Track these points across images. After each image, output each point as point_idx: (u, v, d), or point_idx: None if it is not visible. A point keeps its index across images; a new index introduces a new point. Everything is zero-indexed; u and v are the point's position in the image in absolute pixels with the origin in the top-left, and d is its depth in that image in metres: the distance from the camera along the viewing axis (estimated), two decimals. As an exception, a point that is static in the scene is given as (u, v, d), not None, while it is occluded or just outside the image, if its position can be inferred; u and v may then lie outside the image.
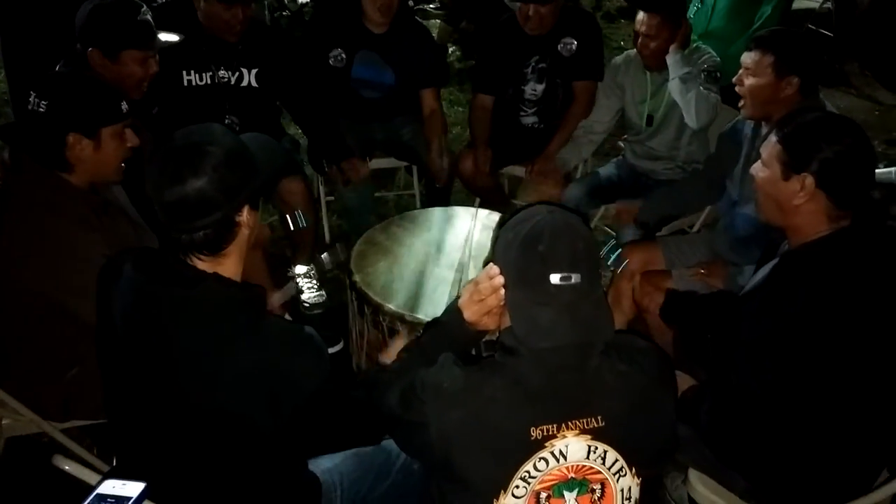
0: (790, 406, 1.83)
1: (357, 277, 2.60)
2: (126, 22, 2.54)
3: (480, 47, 3.99)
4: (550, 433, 1.46)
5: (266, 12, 5.61)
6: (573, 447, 1.48)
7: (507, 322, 1.56)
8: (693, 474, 2.11)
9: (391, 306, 2.46)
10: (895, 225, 2.05)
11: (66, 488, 1.63)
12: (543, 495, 1.50)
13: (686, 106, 3.16)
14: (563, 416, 1.47)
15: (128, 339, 1.59)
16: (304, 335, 1.64)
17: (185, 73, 3.23)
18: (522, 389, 1.48)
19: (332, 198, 3.98)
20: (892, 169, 2.76)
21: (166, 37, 2.73)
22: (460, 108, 5.62)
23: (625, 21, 7.50)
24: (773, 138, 1.93)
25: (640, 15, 3.23)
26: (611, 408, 1.50)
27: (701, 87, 3.13)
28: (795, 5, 5.85)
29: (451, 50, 6.44)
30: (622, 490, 1.53)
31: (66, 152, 2.11)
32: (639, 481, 1.55)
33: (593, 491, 1.52)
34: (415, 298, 2.51)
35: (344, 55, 3.57)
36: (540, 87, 3.71)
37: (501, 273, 1.57)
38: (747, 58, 2.59)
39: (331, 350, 1.93)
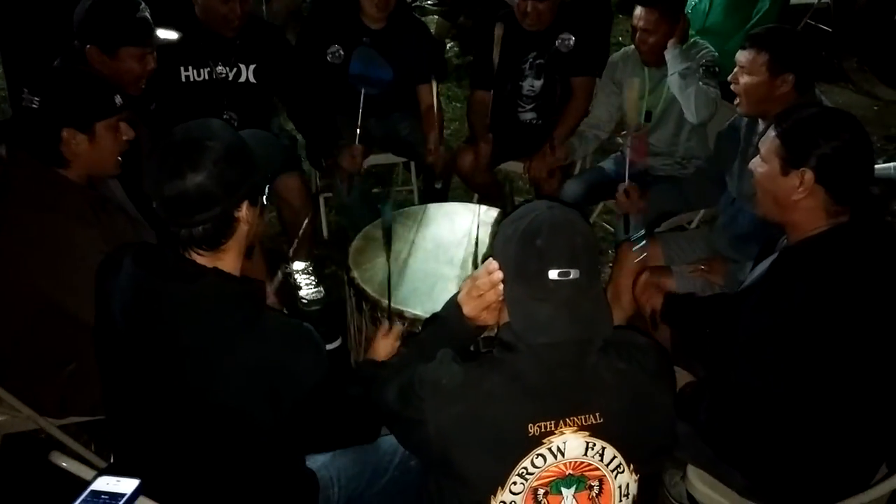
0: (789, 402, 1.83)
1: (355, 273, 2.60)
2: (124, 19, 2.54)
3: (478, 43, 3.99)
4: (548, 429, 1.46)
5: (263, 7, 5.60)
6: (571, 444, 1.48)
7: (505, 317, 1.56)
8: (692, 471, 2.11)
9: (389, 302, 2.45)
10: (894, 220, 2.05)
11: (63, 485, 1.63)
12: (541, 492, 1.50)
13: (685, 101, 3.15)
14: (561, 413, 1.47)
15: (127, 335, 1.59)
16: (303, 330, 1.64)
17: (182, 68, 3.22)
18: (521, 385, 1.47)
19: (329, 194, 3.97)
20: (891, 164, 2.77)
21: (164, 34, 2.72)
22: (458, 104, 5.62)
23: (623, 16, 7.48)
24: (771, 134, 1.93)
25: (638, 10, 3.22)
26: (609, 405, 1.49)
27: (700, 83, 3.12)
28: (794, 0, 5.84)
29: (448, 46, 6.44)
30: (620, 487, 1.53)
31: (62, 147, 2.11)
32: (637, 478, 1.55)
33: (591, 488, 1.52)
34: (413, 294, 2.51)
35: (341, 51, 3.56)
36: (538, 83, 3.71)
37: (500, 268, 1.57)
38: (742, 56, 2.58)
39: (329, 346, 1.93)
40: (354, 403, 1.75)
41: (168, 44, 2.80)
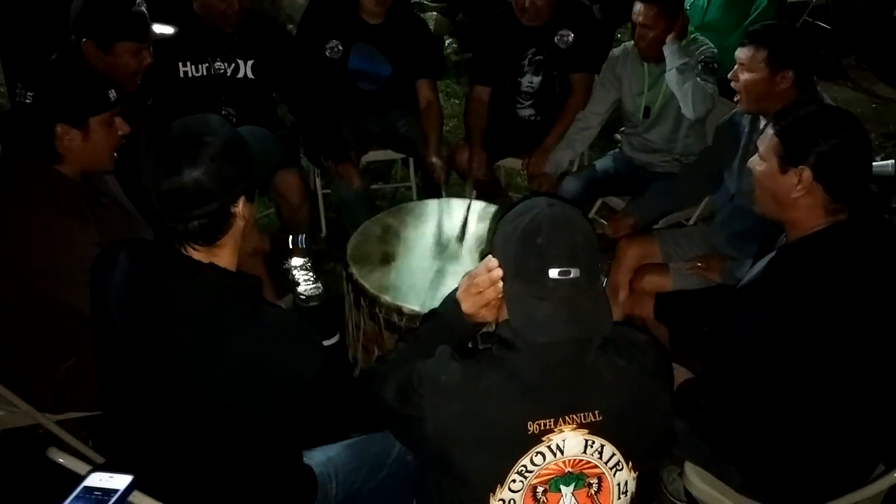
0: (787, 400, 1.83)
1: (353, 269, 2.60)
2: (120, 13, 2.53)
3: (477, 39, 3.98)
4: (548, 427, 1.46)
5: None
6: (570, 441, 1.47)
7: (504, 314, 1.55)
8: (689, 468, 2.11)
9: (387, 298, 2.45)
10: (892, 218, 2.05)
11: (61, 480, 1.63)
12: (540, 489, 1.50)
13: (683, 97, 3.15)
14: (560, 411, 1.47)
15: (124, 331, 1.58)
16: (300, 324, 1.65)
17: (180, 64, 3.21)
18: (520, 383, 1.47)
19: (328, 190, 3.97)
20: (890, 162, 2.77)
21: (161, 29, 2.72)
22: (457, 101, 5.61)
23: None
24: (770, 131, 1.93)
25: (638, 6, 3.21)
26: (608, 402, 1.49)
27: (698, 78, 3.12)
28: (792, -3, 5.86)
29: (447, 42, 6.42)
30: (619, 484, 1.53)
31: (55, 143, 2.10)
32: (635, 475, 1.54)
33: (590, 485, 1.52)
34: (411, 290, 2.51)
35: (340, 47, 3.56)
36: (537, 80, 3.70)
37: (500, 266, 1.57)
38: (741, 53, 2.58)
39: (327, 342, 1.93)
40: (353, 397, 1.75)
41: (165, 39, 2.79)
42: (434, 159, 3.50)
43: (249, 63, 3.29)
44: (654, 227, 3.34)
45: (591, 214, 3.97)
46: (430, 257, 2.73)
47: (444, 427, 1.46)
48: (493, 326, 1.66)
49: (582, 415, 1.47)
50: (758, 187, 1.99)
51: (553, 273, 1.45)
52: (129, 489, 1.31)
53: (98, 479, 1.31)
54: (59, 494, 1.31)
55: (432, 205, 3.15)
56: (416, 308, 2.38)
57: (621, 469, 1.52)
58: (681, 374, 2.10)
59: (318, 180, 3.97)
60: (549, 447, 1.47)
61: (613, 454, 1.50)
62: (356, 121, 3.71)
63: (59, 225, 2.08)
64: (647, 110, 3.41)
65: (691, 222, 3.54)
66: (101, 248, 1.77)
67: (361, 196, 3.56)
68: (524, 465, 1.47)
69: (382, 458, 1.99)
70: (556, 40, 3.62)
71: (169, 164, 1.51)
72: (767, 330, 1.83)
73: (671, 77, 3.18)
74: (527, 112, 3.80)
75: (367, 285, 2.52)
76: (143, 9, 2.59)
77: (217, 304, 1.55)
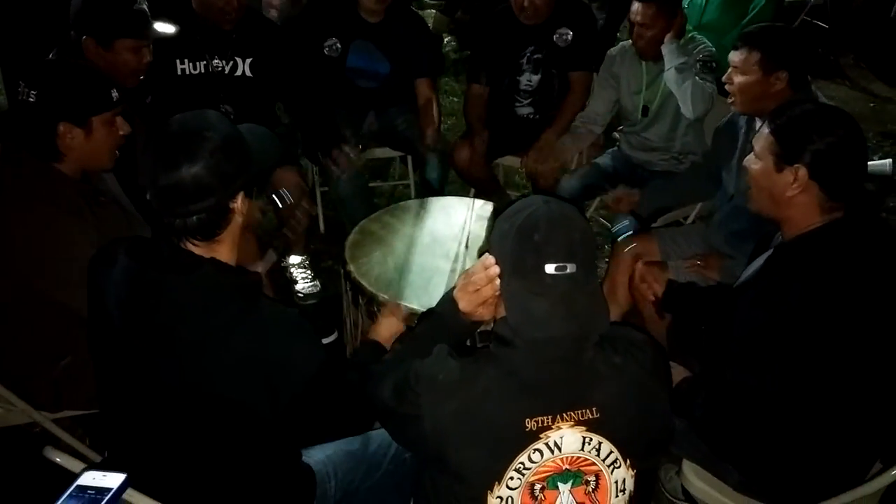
0: (784, 398, 1.83)
1: (351, 267, 2.60)
2: (121, 11, 2.53)
3: (475, 37, 3.98)
4: (545, 425, 1.46)
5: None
6: (568, 439, 1.48)
7: (502, 312, 1.56)
8: (687, 466, 2.11)
9: (386, 296, 2.45)
10: (889, 216, 2.05)
11: (57, 479, 1.63)
12: (538, 487, 1.50)
13: (682, 96, 3.15)
14: (557, 408, 1.47)
15: (124, 328, 1.58)
16: (299, 320, 1.65)
17: (178, 61, 3.21)
18: (517, 381, 1.47)
19: (326, 188, 3.96)
20: (886, 161, 2.78)
21: (162, 27, 2.72)
22: (455, 99, 5.61)
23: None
24: (765, 130, 1.93)
25: (636, 5, 3.22)
26: (606, 400, 1.49)
27: (697, 77, 3.12)
28: (790, -3, 5.86)
29: (446, 40, 6.43)
30: (616, 482, 1.53)
31: (57, 141, 2.10)
32: (633, 473, 1.55)
33: (588, 483, 1.52)
34: (410, 289, 2.51)
35: (339, 45, 3.56)
36: (535, 78, 3.70)
37: (497, 263, 1.57)
38: (735, 56, 2.59)
39: (325, 341, 1.93)
40: (351, 392, 1.75)
41: (164, 36, 2.79)
42: (430, 138, 3.51)
43: (248, 61, 3.29)
44: (653, 225, 3.33)
45: (590, 212, 3.97)
46: (428, 255, 2.73)
47: (442, 425, 1.46)
48: (491, 325, 1.66)
49: (579, 412, 1.47)
50: (753, 186, 1.99)
51: (550, 269, 1.45)
52: (123, 488, 1.31)
53: (91, 478, 1.31)
54: (55, 493, 1.31)
55: (430, 203, 3.15)
56: (414, 306, 2.38)
57: (619, 467, 1.52)
58: (678, 372, 2.10)
59: (316, 178, 3.97)
60: (546, 444, 1.47)
61: (611, 452, 1.51)
62: (354, 118, 3.70)
63: (58, 224, 2.08)
64: (645, 109, 3.42)
65: (689, 221, 3.54)
66: (98, 246, 1.77)
67: (360, 194, 3.56)
68: (522, 463, 1.47)
69: (380, 457, 2.00)
70: (554, 38, 3.62)
71: (168, 159, 1.51)
72: (764, 328, 1.83)
73: (670, 76, 3.18)
74: (525, 110, 3.80)
75: (365, 283, 2.52)
76: (144, 6, 2.58)
77: (217, 299, 1.55)
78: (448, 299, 1.74)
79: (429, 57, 3.77)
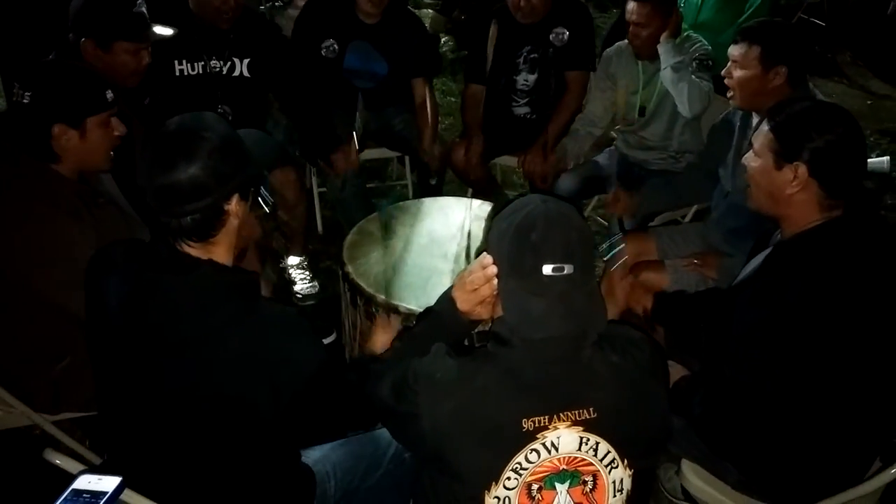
0: (783, 396, 1.83)
1: (349, 268, 2.59)
2: (120, 13, 2.53)
3: (472, 37, 3.98)
4: (542, 424, 1.46)
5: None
6: (565, 439, 1.48)
7: (499, 311, 1.56)
8: (686, 465, 2.11)
9: (384, 297, 2.45)
10: (887, 214, 2.05)
11: (57, 481, 1.62)
12: (535, 487, 1.50)
13: (678, 95, 3.15)
14: (555, 408, 1.47)
15: (122, 328, 1.58)
16: (299, 320, 1.65)
17: (176, 62, 3.20)
18: (515, 380, 1.47)
19: (324, 189, 3.97)
20: (885, 158, 2.77)
21: (161, 30, 2.72)
22: (452, 99, 5.61)
23: (616, 10, 7.47)
24: (764, 128, 1.93)
25: (631, 4, 3.21)
26: (603, 399, 1.49)
27: (693, 76, 3.12)
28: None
29: (443, 40, 6.42)
30: (614, 482, 1.53)
31: (52, 143, 2.10)
32: (631, 473, 1.55)
33: (585, 483, 1.52)
34: (408, 289, 2.51)
35: (336, 46, 3.55)
36: (532, 78, 3.70)
37: (494, 263, 1.57)
38: (734, 50, 2.59)
39: (324, 341, 1.94)
40: (350, 392, 1.75)
41: (163, 39, 2.79)
42: (428, 147, 3.49)
43: (245, 61, 3.29)
44: (650, 224, 3.33)
45: (588, 211, 3.97)
46: (426, 255, 2.73)
47: (440, 424, 1.46)
48: (489, 324, 1.66)
49: (577, 412, 1.47)
50: (752, 184, 1.99)
51: (547, 269, 1.45)
52: (118, 491, 1.32)
53: (87, 482, 1.32)
54: (55, 495, 1.31)
55: (428, 203, 3.15)
56: (413, 306, 2.38)
57: (616, 467, 1.52)
58: (677, 371, 2.10)
59: (313, 178, 3.96)
60: (543, 444, 1.47)
61: (608, 452, 1.50)
62: (352, 119, 3.70)
63: (57, 224, 2.08)
64: (642, 108, 3.41)
65: (687, 219, 3.54)
66: (96, 248, 1.77)
67: (357, 194, 3.56)
68: (519, 463, 1.47)
69: (380, 457, 2.00)
70: (551, 38, 3.61)
71: (165, 159, 1.51)
72: (763, 326, 1.83)
73: (666, 76, 3.18)
74: (522, 110, 3.80)
75: (363, 284, 2.52)
76: (143, 9, 2.58)
77: (215, 299, 1.56)
78: (446, 298, 1.74)
79: (426, 57, 3.77)
